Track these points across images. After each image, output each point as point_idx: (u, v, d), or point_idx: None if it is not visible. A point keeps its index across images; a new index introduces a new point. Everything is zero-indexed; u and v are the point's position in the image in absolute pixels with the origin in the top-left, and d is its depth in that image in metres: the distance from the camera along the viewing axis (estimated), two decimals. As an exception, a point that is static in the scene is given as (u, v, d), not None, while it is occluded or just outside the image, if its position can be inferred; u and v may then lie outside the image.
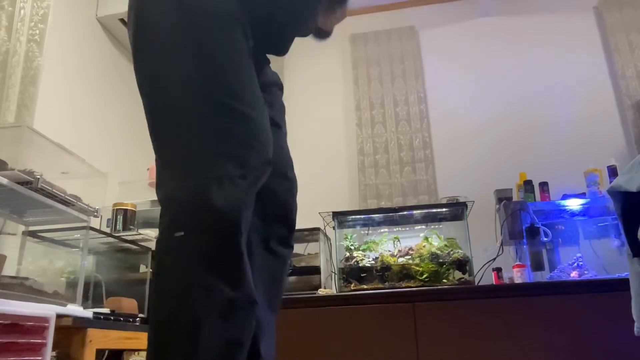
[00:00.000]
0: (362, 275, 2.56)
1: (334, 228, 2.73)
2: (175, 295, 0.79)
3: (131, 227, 2.33)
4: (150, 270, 2.34)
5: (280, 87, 1.20)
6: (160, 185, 0.87)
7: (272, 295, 1.04)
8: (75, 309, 1.65)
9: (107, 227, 2.43)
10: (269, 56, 1.15)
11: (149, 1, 0.95)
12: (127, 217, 2.34)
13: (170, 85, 0.90)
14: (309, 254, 2.69)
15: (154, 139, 0.92)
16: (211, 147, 0.85)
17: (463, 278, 2.48)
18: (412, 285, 2.47)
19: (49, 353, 1.42)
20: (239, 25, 0.94)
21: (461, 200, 2.70)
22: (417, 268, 2.51)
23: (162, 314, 0.79)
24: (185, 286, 0.79)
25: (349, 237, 2.73)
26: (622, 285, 1.79)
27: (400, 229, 2.86)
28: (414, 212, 2.80)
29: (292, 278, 2.55)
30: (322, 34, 1.23)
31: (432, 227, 2.81)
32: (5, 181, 1.53)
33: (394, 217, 2.81)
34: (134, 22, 0.96)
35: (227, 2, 0.93)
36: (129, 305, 2.02)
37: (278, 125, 1.10)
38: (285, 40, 1.10)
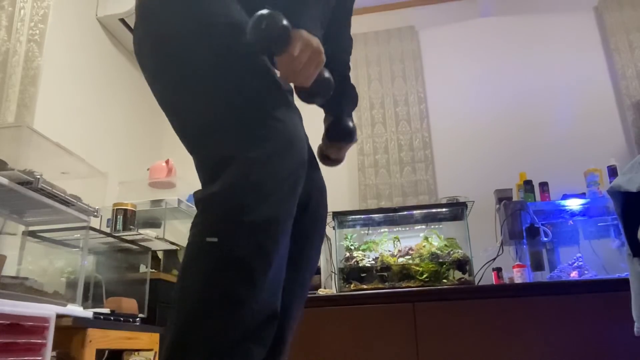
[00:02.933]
0: (362, 275, 2.56)
1: (334, 228, 2.73)
2: (198, 300, 0.78)
3: (131, 227, 2.33)
4: (151, 270, 2.34)
5: (290, 91, 1.19)
6: (203, 187, 0.86)
7: (300, 305, 1.04)
8: (75, 309, 1.65)
9: (107, 227, 2.43)
10: None
11: (163, 14, 0.95)
12: (127, 217, 2.34)
13: (199, 92, 0.89)
14: (309, 254, 2.68)
15: (190, 145, 0.91)
16: (249, 153, 0.83)
17: (463, 278, 2.48)
18: (412, 285, 2.47)
19: (49, 353, 1.42)
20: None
21: (461, 200, 2.70)
22: (417, 268, 2.51)
23: (183, 318, 0.78)
24: (210, 292, 0.78)
25: (349, 237, 2.73)
26: (622, 285, 1.80)
27: (400, 229, 2.86)
28: (414, 212, 2.80)
29: (292, 278, 2.54)
30: (332, 162, 1.24)
31: (432, 227, 2.81)
32: (5, 181, 1.53)
33: (394, 217, 2.81)
34: (152, 35, 0.96)
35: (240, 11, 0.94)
36: (129, 305, 2.02)
37: None
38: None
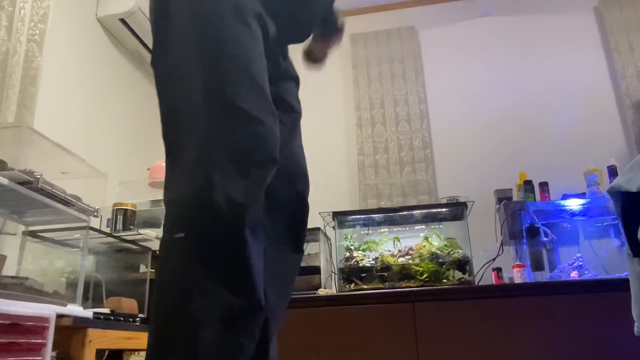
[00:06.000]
0: (362, 275, 2.56)
1: (334, 228, 2.73)
2: (173, 298, 0.78)
3: (131, 227, 2.33)
4: (151, 270, 2.34)
5: (296, 80, 1.17)
6: (166, 185, 0.86)
7: (281, 301, 1.03)
8: (75, 309, 1.65)
9: (107, 227, 2.43)
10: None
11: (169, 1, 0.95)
12: (127, 217, 2.34)
13: (176, 85, 0.89)
14: (309, 254, 2.69)
15: (164, 139, 0.91)
16: (213, 148, 0.83)
17: (463, 278, 2.48)
18: (412, 285, 2.47)
19: (49, 353, 1.42)
20: (254, 17, 0.93)
21: (461, 200, 2.70)
22: (417, 268, 2.51)
23: (160, 316, 0.78)
24: (183, 289, 0.77)
25: (349, 237, 2.73)
26: (622, 285, 1.79)
27: (400, 229, 2.86)
28: (414, 212, 2.80)
29: (292, 278, 2.54)
30: (316, 60, 1.27)
31: (432, 227, 2.81)
32: (5, 181, 1.53)
33: (394, 217, 2.81)
34: (151, 20, 0.97)
35: None
36: (129, 305, 2.02)
37: (286, 124, 1.08)
38: (305, 27, 1.09)
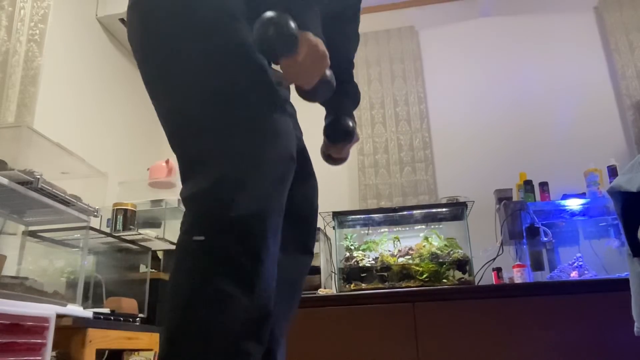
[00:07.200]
0: (362, 275, 2.56)
1: (334, 228, 2.73)
2: (188, 301, 0.77)
3: (131, 227, 2.33)
4: (151, 270, 2.34)
5: (281, 89, 1.17)
6: (185, 185, 0.85)
7: (290, 304, 1.02)
8: (75, 309, 1.65)
9: (107, 227, 2.44)
10: None
11: (157, 6, 0.92)
12: (127, 217, 2.34)
13: (186, 86, 0.88)
14: (309, 254, 2.68)
15: (173, 140, 0.89)
16: (232, 147, 0.82)
17: (463, 278, 2.48)
18: (412, 285, 2.47)
19: (49, 353, 1.42)
20: (247, 23, 0.91)
21: (461, 200, 2.70)
22: (417, 268, 2.51)
23: (175, 319, 0.78)
24: (199, 292, 0.77)
25: (349, 237, 2.73)
26: (622, 285, 1.79)
27: (400, 229, 2.86)
28: (414, 212, 2.80)
29: (292, 278, 2.54)
30: (335, 161, 1.24)
31: (432, 227, 2.81)
32: (5, 181, 1.53)
33: (394, 217, 2.81)
34: (141, 24, 0.94)
35: (236, 2, 0.92)
36: (129, 305, 2.02)
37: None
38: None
